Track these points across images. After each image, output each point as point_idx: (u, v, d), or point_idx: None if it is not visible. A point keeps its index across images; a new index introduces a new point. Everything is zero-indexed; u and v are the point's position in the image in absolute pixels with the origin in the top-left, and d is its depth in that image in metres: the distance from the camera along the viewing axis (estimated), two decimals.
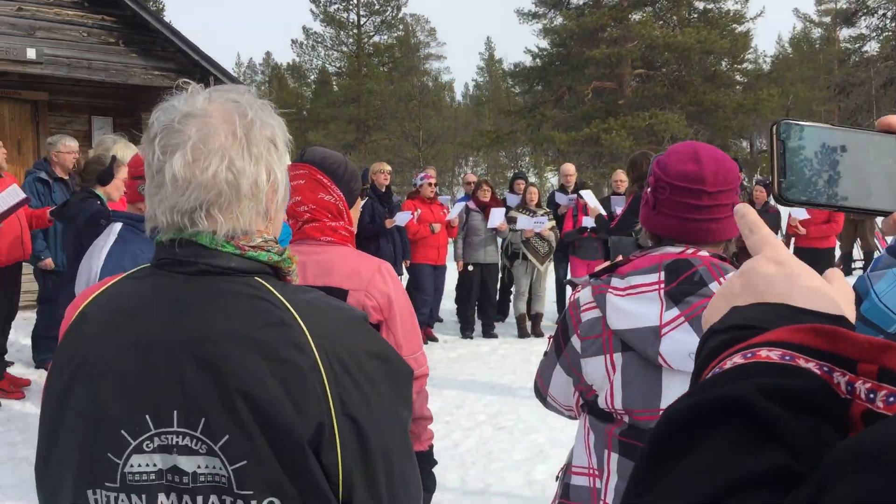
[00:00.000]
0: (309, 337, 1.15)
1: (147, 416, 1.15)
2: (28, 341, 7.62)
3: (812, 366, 0.55)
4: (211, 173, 1.16)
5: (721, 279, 1.66)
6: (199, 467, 1.14)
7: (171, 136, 1.18)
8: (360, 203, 2.40)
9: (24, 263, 6.61)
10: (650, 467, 0.54)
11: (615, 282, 1.76)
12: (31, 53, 9.74)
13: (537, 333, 9.59)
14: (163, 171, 1.17)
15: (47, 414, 1.24)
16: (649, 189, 1.81)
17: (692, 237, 1.77)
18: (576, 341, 1.81)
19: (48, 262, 6.82)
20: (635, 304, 1.69)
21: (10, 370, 6.71)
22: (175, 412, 1.14)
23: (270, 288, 1.20)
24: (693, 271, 1.68)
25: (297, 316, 1.17)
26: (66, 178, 6.89)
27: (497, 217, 9.24)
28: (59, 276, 6.57)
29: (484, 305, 9.61)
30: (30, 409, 6.17)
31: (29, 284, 7.80)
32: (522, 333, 9.54)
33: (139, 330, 1.18)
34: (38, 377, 6.90)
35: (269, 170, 1.22)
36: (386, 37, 43.91)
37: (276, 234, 1.31)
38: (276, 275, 1.26)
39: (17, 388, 6.42)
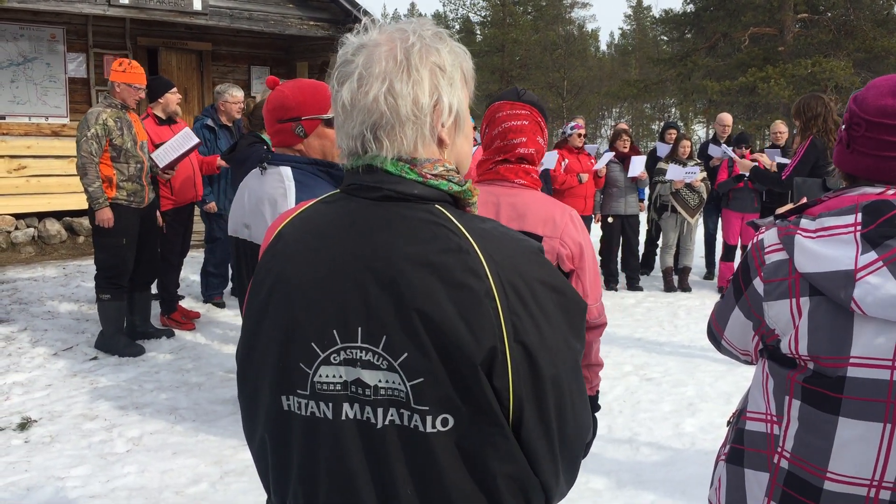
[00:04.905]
0: (485, 264, 1.17)
1: (335, 331, 1.21)
2: (195, 277, 8.14)
3: None
4: (372, 97, 1.20)
5: None
6: (380, 381, 1.19)
7: (344, 67, 1.25)
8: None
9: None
10: None
11: (805, 223, 1.67)
12: (197, 4, 10.24)
13: (684, 288, 9.35)
14: (336, 99, 1.25)
15: (248, 326, 1.32)
16: (843, 127, 1.71)
17: (888, 176, 1.66)
18: (758, 284, 1.74)
19: (212, 206, 7.25)
20: (827, 247, 1.61)
21: (181, 303, 7.20)
22: (359, 328, 1.19)
23: (449, 216, 1.23)
24: (895, 213, 1.58)
25: (473, 243, 1.19)
26: (230, 125, 7.27)
27: (637, 166, 8.98)
28: (223, 218, 6.98)
29: (627, 257, 9.44)
30: (199, 339, 6.61)
31: (196, 225, 8.32)
32: (669, 287, 9.32)
33: (328, 250, 1.24)
34: (207, 311, 7.38)
35: (432, 93, 1.24)
36: None
37: (459, 164, 1.33)
38: (455, 204, 1.29)
39: (188, 320, 6.90)
